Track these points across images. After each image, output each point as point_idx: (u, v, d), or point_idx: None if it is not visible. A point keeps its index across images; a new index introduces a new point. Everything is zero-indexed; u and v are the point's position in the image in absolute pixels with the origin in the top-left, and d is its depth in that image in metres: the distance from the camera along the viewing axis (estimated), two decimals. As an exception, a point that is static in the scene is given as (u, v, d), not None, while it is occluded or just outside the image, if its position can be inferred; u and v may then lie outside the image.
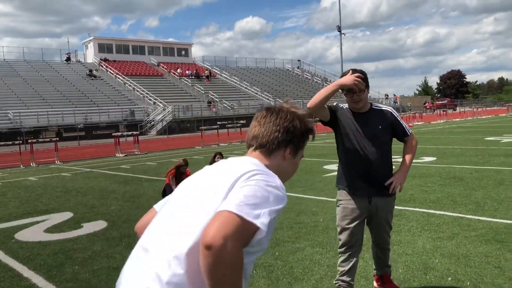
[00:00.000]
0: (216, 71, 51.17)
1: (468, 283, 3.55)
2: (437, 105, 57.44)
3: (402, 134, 3.16)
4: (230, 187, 1.29)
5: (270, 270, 4.08)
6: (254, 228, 1.20)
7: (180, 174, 7.93)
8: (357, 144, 3.05)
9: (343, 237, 3.15)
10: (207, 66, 51.63)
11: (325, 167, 10.82)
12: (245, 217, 1.18)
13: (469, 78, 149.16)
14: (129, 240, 5.35)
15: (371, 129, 3.04)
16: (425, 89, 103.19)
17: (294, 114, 1.51)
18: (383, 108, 3.17)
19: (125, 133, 22.52)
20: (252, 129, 1.53)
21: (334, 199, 6.36)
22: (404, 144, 3.24)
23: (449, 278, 3.66)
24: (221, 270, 1.12)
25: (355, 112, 3.10)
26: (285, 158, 1.50)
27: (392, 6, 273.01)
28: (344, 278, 3.15)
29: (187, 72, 47.04)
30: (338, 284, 3.19)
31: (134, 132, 20.37)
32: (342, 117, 3.11)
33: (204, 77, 47.52)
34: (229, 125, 23.34)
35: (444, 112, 39.37)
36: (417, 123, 30.61)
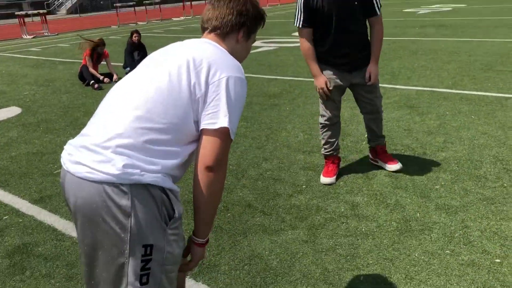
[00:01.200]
0: None
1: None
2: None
3: (370, 11, 2.99)
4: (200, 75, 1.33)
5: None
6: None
7: (98, 55, 7.47)
8: (336, 24, 2.95)
9: (327, 106, 3.20)
10: None
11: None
12: (232, 136, 1.33)
13: None
14: (47, 125, 5.12)
15: (348, 6, 2.93)
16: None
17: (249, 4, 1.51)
18: None
19: (30, 12, 20.34)
20: (206, 12, 1.53)
21: (257, 75, 6.32)
22: (371, 28, 3.08)
23: (364, 142, 3.92)
24: (215, 188, 1.34)
25: None
26: (238, 41, 1.52)
27: None
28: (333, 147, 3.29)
29: None
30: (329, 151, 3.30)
31: (41, 11, 18.45)
32: (319, 4, 2.91)
33: None
34: (147, 2, 21.77)
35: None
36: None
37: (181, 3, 23.20)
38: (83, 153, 1.28)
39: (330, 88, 3.09)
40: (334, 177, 3.25)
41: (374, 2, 2.98)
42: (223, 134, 1.31)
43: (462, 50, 7.78)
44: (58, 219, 2.98)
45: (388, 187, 3.10)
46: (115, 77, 7.36)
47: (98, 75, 7.19)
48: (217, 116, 1.30)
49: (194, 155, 1.37)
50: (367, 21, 3.08)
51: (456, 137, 3.92)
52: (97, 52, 7.40)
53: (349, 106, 4.82)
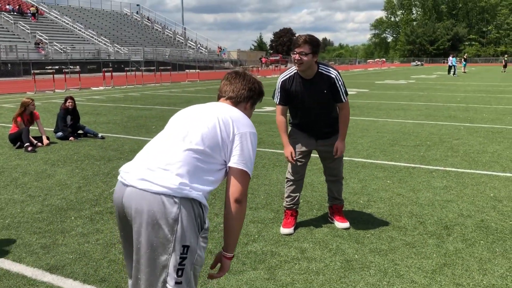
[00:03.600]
0: (44, 9, 46.04)
1: (315, 204, 4.40)
2: (271, 61, 61.15)
3: (337, 98, 3.54)
4: (228, 131, 1.83)
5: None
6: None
7: (29, 116, 7.48)
8: (306, 106, 3.56)
9: (292, 168, 3.73)
10: (33, 2, 46.07)
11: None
12: (250, 175, 1.84)
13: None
14: (-15, 184, 5.05)
15: (317, 94, 3.49)
16: (260, 45, 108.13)
17: (255, 79, 2.10)
18: (330, 73, 3.48)
19: None
20: (223, 85, 2.08)
21: None
22: (339, 111, 3.65)
23: (301, 201, 4.46)
24: (242, 214, 1.82)
25: (303, 78, 3.49)
26: (246, 109, 2.06)
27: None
28: (294, 201, 3.78)
29: (7, 7, 41.37)
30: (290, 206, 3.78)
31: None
32: (293, 89, 3.53)
33: (30, 14, 42.43)
34: (67, 70, 21.67)
35: (277, 68, 42.39)
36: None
37: (101, 74, 23.35)
38: (147, 172, 1.72)
39: (295, 158, 3.67)
40: (292, 228, 3.70)
41: (340, 90, 3.52)
42: (246, 174, 1.81)
43: (371, 127, 8.93)
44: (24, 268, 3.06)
45: (328, 235, 3.61)
46: (45, 141, 7.29)
47: (33, 140, 7.11)
48: (242, 160, 1.81)
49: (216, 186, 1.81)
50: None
51: (377, 197, 4.61)
52: (27, 111, 7.38)
53: (310, 169, 5.39)
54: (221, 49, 54.99)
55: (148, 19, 56.94)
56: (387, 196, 4.61)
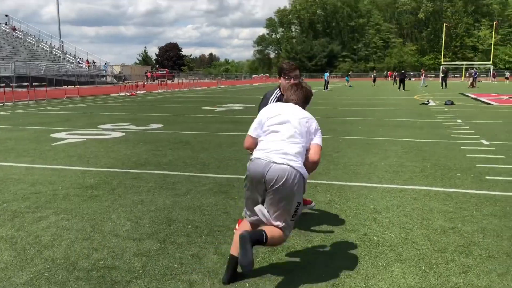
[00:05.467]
0: None
1: (205, 228, 4.20)
2: (156, 75, 59.98)
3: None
4: (312, 125, 3.22)
5: (14, 242, 3.84)
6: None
7: None
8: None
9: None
10: None
11: (52, 135, 10.22)
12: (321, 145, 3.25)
13: (185, 51, 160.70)
14: None
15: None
16: (145, 59, 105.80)
17: (310, 89, 3.43)
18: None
19: None
20: (290, 93, 3.38)
21: (69, 167, 6.31)
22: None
23: (189, 226, 4.24)
24: (317, 166, 3.20)
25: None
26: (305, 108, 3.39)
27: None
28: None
29: None
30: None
31: None
32: None
33: None
34: None
35: (163, 82, 41.65)
36: (139, 92, 31.48)
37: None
38: (279, 156, 2.99)
39: None
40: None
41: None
42: (320, 146, 3.22)
43: (257, 143, 9.01)
44: None
45: (217, 264, 3.43)
46: None
47: None
48: (318, 139, 3.23)
49: None
50: None
51: (266, 216, 4.55)
52: None
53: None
54: (89, 62, 52.14)
55: (19, 31, 52.40)
56: (276, 215, 4.58)
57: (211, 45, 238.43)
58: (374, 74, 49.88)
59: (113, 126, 11.85)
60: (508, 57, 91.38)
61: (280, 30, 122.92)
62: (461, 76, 74.95)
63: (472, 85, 39.72)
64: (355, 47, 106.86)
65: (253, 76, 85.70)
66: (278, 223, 3.02)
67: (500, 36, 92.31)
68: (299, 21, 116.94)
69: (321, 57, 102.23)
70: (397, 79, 40.23)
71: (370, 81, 51.08)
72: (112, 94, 28.89)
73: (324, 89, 36.46)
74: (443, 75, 41.06)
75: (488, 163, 7.01)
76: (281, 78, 3.98)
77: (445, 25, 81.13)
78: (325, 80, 37.57)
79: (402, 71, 39.02)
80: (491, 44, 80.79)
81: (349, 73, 46.58)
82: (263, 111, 3.33)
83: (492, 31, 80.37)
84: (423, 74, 44.45)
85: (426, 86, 40.39)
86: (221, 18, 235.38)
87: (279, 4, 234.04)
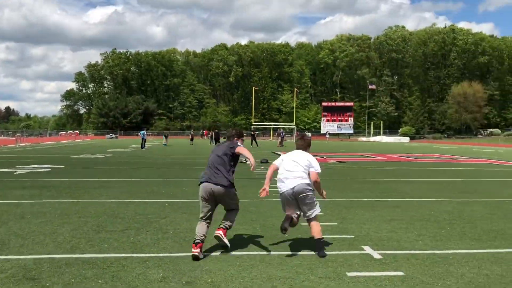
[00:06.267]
0: None
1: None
2: None
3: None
4: (311, 161, 5.69)
5: None
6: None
7: None
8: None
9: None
10: None
11: None
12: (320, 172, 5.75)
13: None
14: None
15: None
16: None
17: (310, 139, 6.15)
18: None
19: None
20: (298, 142, 6.00)
21: None
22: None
23: None
24: (319, 185, 5.72)
25: None
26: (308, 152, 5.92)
27: None
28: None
29: None
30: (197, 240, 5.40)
31: None
32: None
33: None
34: None
35: None
36: None
37: None
38: (295, 179, 5.56)
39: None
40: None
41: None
42: (317, 174, 5.68)
43: (71, 212, 7.98)
44: None
45: None
46: None
47: None
48: (316, 169, 5.67)
49: None
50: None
51: (89, 306, 3.83)
52: None
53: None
54: None
55: None
56: (101, 303, 3.89)
57: (9, 98, 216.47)
58: (192, 132, 51.29)
59: None
60: (307, 119, 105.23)
61: (91, 85, 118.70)
62: (270, 136, 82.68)
63: (281, 143, 43.76)
64: (171, 105, 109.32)
65: (61, 133, 79.65)
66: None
67: (299, 101, 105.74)
68: (112, 77, 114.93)
69: (136, 114, 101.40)
70: (213, 138, 42.25)
71: (187, 139, 52.27)
72: None
73: (142, 147, 35.88)
74: (252, 133, 44.58)
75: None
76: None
77: (254, 88, 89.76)
78: (142, 138, 37.07)
79: (216, 130, 41.24)
80: (293, 107, 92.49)
81: (166, 133, 47.34)
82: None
83: (294, 96, 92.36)
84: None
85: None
86: (22, 69, 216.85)
87: (90, 58, 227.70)
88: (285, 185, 5.57)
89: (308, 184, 5.55)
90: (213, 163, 5.70)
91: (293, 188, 5.50)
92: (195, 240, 5.35)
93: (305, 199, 5.54)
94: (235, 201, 5.80)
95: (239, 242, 6.03)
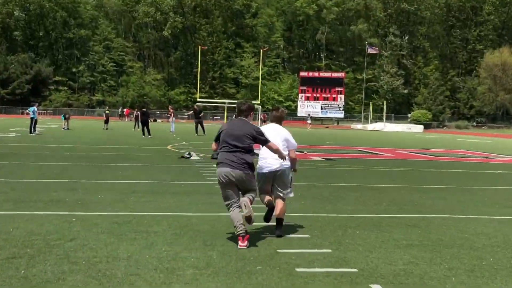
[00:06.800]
0: None
1: None
2: None
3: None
4: (288, 137, 8.58)
5: None
6: None
7: None
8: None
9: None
10: None
11: None
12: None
13: None
14: None
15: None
16: None
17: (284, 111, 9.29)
18: None
19: None
20: (274, 114, 8.84)
21: None
22: None
23: None
24: (296, 161, 8.83)
25: None
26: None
27: None
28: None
29: None
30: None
31: None
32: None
33: None
34: None
35: None
36: None
37: None
38: (276, 159, 8.08)
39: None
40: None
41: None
42: (294, 149, 8.74)
43: None
44: None
45: None
46: None
47: None
48: (294, 145, 8.65)
49: None
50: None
51: None
52: None
53: None
54: None
55: None
56: None
57: None
58: (107, 112, 50.58)
59: None
60: (278, 96, 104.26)
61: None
62: (222, 118, 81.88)
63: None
64: (74, 69, 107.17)
65: None
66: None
67: (266, 68, 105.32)
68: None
69: (21, 82, 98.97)
70: (139, 120, 41.34)
71: (101, 121, 51.57)
72: None
73: (31, 131, 35.07)
74: (196, 115, 42.30)
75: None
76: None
77: (200, 48, 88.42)
78: (32, 118, 36.18)
79: (144, 109, 40.25)
80: (258, 77, 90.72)
81: (67, 112, 46.49)
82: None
83: (259, 61, 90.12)
84: (172, 114, 47.06)
85: (173, 132, 42.98)
86: None
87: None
88: (267, 163, 8.03)
89: (287, 162, 8.10)
90: (229, 143, 7.55)
91: (275, 167, 7.98)
92: (239, 232, 7.09)
93: (283, 177, 8.08)
94: (254, 186, 7.77)
95: (189, 272, 5.93)
